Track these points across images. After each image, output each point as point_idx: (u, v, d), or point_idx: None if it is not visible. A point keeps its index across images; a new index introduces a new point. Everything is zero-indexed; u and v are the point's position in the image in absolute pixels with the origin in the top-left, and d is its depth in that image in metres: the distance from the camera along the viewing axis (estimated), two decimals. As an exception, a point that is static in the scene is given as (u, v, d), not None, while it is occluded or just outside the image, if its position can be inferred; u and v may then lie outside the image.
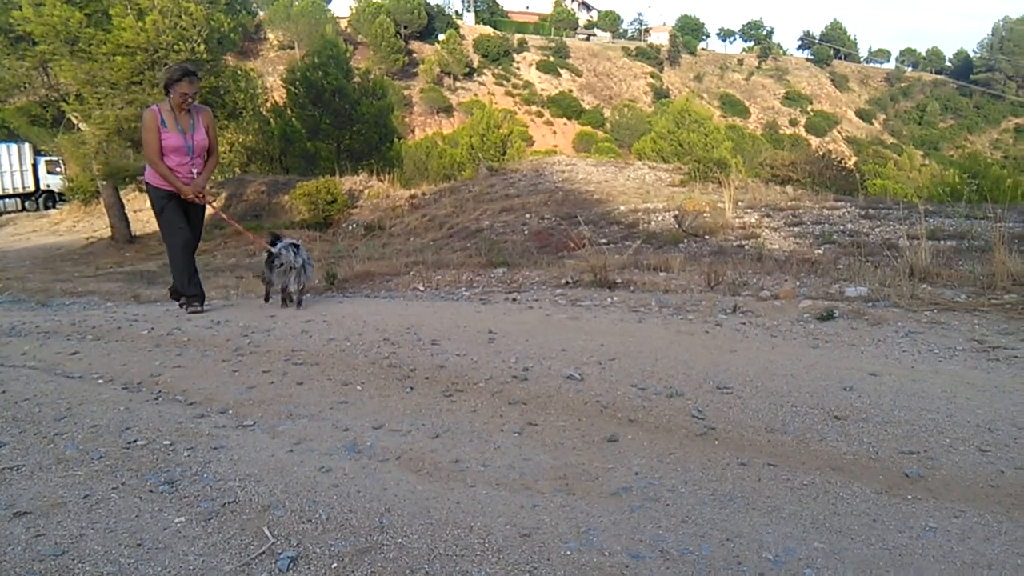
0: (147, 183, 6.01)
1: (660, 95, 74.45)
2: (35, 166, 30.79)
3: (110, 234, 20.63)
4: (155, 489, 2.40)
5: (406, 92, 63.20)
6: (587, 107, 71.08)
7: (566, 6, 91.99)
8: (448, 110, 64.61)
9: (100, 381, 3.75)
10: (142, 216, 24.96)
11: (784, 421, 2.91)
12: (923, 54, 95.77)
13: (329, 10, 69.14)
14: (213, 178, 23.66)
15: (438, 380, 3.61)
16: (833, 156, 18.66)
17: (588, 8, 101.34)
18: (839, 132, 76.80)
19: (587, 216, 12.04)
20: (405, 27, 69.90)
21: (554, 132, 66.11)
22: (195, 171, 5.87)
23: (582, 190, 15.69)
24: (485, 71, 72.46)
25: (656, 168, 20.36)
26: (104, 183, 19.52)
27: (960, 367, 3.62)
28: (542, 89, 72.48)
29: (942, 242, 7.32)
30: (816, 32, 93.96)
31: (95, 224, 24.51)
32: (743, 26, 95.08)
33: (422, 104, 64.52)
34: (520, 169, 20.06)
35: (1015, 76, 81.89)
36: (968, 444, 2.65)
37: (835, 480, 2.42)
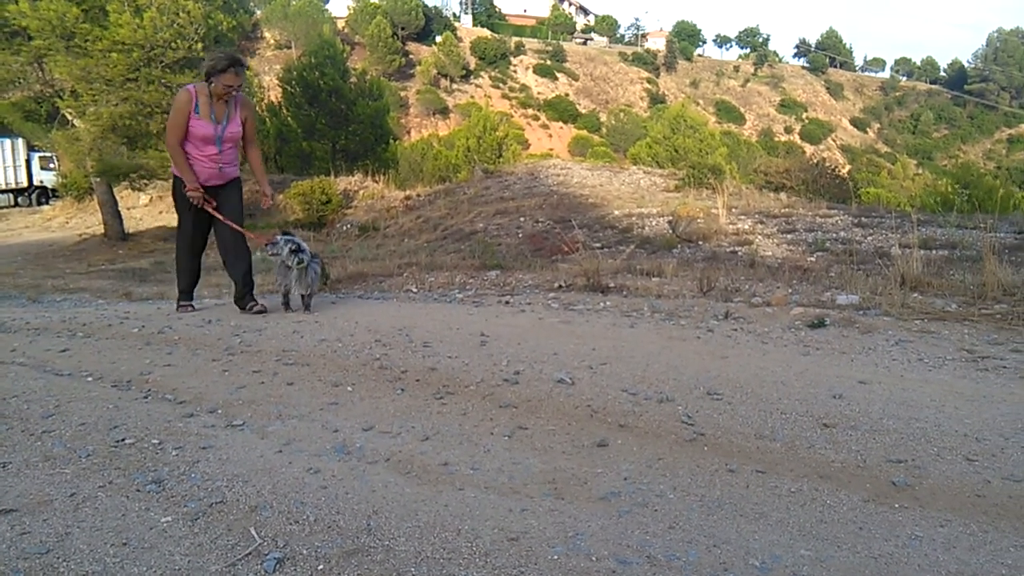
0: (174, 174, 5.59)
1: (656, 100, 74.63)
2: (28, 162, 30.65)
3: (103, 231, 20.54)
4: (142, 488, 2.39)
5: (402, 93, 63.18)
6: (583, 111, 71.18)
7: (563, 10, 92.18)
8: (444, 112, 64.61)
9: (89, 379, 3.74)
10: (135, 213, 24.92)
11: (773, 428, 2.92)
12: (918, 64, 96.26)
13: (326, 10, 69.11)
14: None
15: (429, 382, 3.61)
16: (827, 164, 18.75)
17: (585, 12, 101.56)
18: (834, 140, 77.10)
19: (581, 220, 12.07)
20: (402, 28, 69.91)
21: (550, 136, 66.17)
22: (223, 165, 5.45)
23: (577, 194, 15.71)
24: (482, 73, 72.50)
25: (651, 173, 20.43)
26: (98, 180, 19.43)
27: (949, 376, 3.64)
28: (538, 92, 72.57)
29: (934, 251, 7.37)
30: (812, 40, 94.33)
31: (88, 221, 24.40)
32: (739, 33, 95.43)
33: (418, 105, 64.49)
34: (515, 172, 20.10)
35: (1008, 87, 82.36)
36: (956, 453, 2.66)
37: (823, 488, 2.43)
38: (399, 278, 7.88)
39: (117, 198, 21.15)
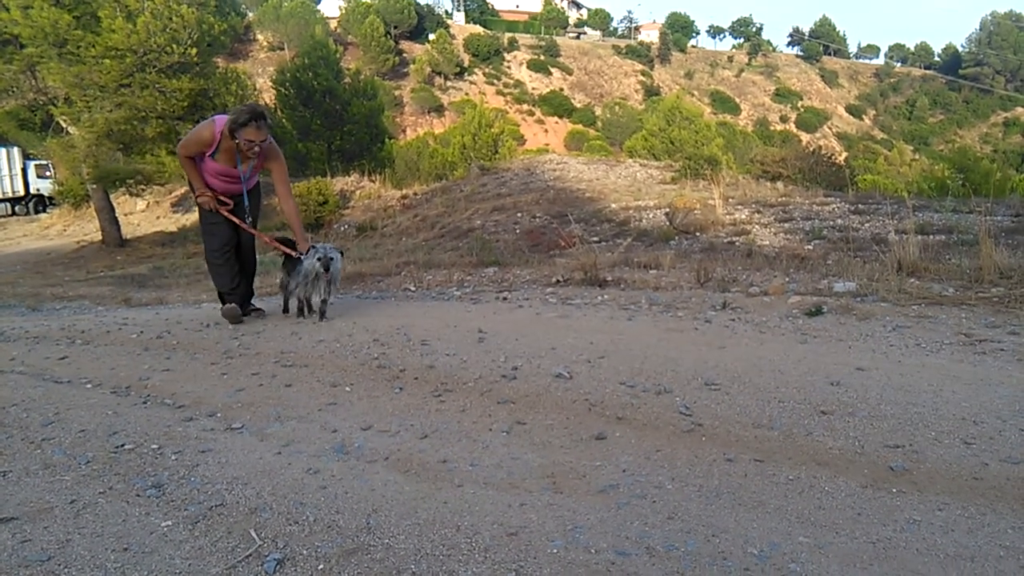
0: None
1: (651, 93, 74.51)
2: (24, 170, 30.60)
3: (101, 238, 20.53)
4: (142, 493, 2.40)
5: (397, 92, 63.06)
6: (578, 105, 71.08)
7: (556, 4, 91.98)
8: (439, 110, 64.52)
9: (88, 386, 3.74)
10: (133, 219, 24.92)
11: (771, 416, 2.93)
12: (912, 49, 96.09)
13: (318, 11, 68.94)
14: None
15: (427, 380, 3.61)
16: (823, 152, 18.72)
17: (578, 6, 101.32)
18: (829, 128, 77.01)
19: (578, 214, 12.06)
20: (395, 27, 69.77)
21: (545, 131, 66.08)
22: (241, 185, 5.16)
23: (573, 188, 15.70)
24: (476, 70, 72.38)
25: (647, 166, 20.40)
26: (94, 187, 19.41)
27: (947, 361, 3.64)
28: (533, 88, 72.46)
29: (931, 236, 7.36)
30: (805, 28, 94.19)
31: (86, 228, 24.40)
32: (733, 23, 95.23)
33: (413, 104, 64.39)
34: (512, 168, 20.08)
35: (1003, 70, 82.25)
36: (953, 437, 2.67)
37: (820, 475, 2.43)
38: (397, 277, 7.88)
39: (114, 204, 21.14)
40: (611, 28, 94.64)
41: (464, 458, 2.66)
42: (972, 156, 21.73)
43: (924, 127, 79.15)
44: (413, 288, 7.07)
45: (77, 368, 4.12)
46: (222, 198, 5.16)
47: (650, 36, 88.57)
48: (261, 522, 2.18)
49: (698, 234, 9.50)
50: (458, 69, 70.15)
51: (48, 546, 2.07)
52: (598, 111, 68.48)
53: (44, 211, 30.52)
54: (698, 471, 2.49)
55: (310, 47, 27.66)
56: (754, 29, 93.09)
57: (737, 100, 79.18)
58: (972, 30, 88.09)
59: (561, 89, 73.21)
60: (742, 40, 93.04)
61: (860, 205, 10.43)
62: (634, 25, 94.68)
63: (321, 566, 1.95)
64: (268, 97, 29.32)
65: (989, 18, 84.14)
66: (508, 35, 78.83)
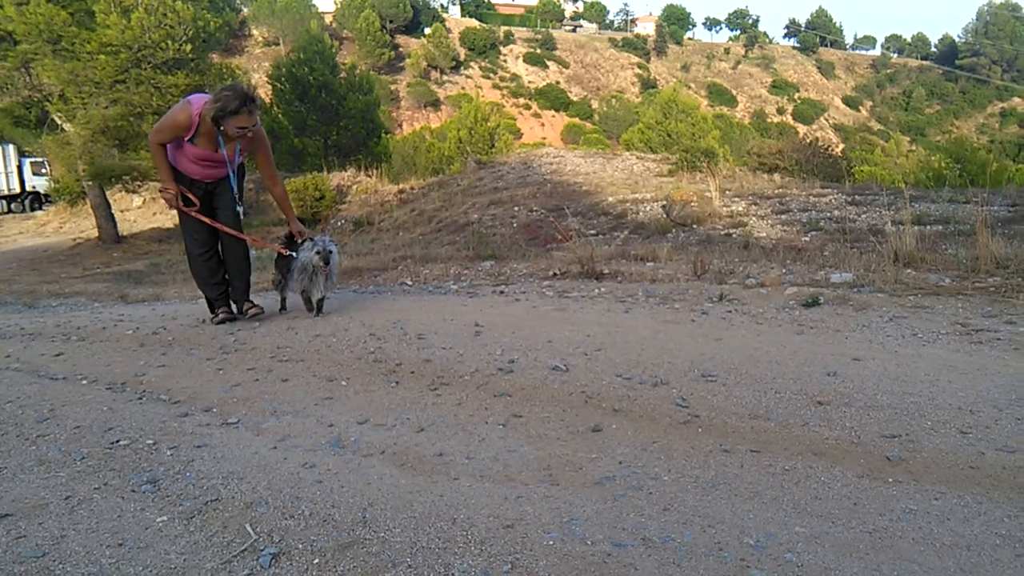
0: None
1: (647, 85, 74.44)
2: (20, 168, 30.52)
3: (97, 235, 20.50)
4: (137, 489, 2.39)
5: (393, 87, 62.99)
6: (575, 99, 71.01)
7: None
8: (435, 104, 64.44)
9: (84, 382, 3.73)
10: (129, 216, 24.86)
11: (767, 407, 2.92)
12: (908, 40, 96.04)
13: (314, 5, 68.76)
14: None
15: (424, 374, 3.61)
16: (820, 143, 18.69)
17: (574, 0, 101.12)
18: (826, 119, 76.99)
19: (575, 208, 12.05)
20: (391, 21, 69.63)
21: (542, 124, 66.02)
22: (220, 169, 4.77)
23: (570, 182, 15.68)
24: (472, 64, 72.29)
25: (644, 158, 20.38)
26: (90, 183, 19.36)
27: (943, 350, 3.64)
28: (529, 81, 72.37)
29: (927, 227, 7.36)
30: (802, 20, 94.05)
31: (82, 225, 24.34)
32: (729, 15, 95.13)
33: (409, 98, 64.32)
34: (508, 162, 20.05)
35: (1000, 61, 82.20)
36: (949, 426, 2.66)
37: (817, 465, 2.43)
38: (394, 272, 7.88)
39: (110, 201, 21.09)
40: (607, 21, 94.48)
41: (460, 451, 2.65)
42: (969, 146, 21.72)
43: (921, 118, 79.16)
44: (410, 282, 7.06)
45: (73, 364, 4.11)
46: (189, 196, 4.75)
47: (646, 29, 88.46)
48: (257, 516, 2.18)
49: (695, 226, 9.50)
50: (454, 63, 70.07)
51: (43, 542, 2.06)
52: (595, 104, 68.43)
53: (40, 208, 30.44)
54: (694, 462, 2.49)
55: (305, 42, 27.60)
56: (750, 21, 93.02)
57: (734, 92, 79.12)
58: (969, 20, 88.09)
59: (557, 82, 73.14)
60: (738, 32, 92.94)
61: (857, 196, 10.42)
62: (630, 18, 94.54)
63: (316, 560, 1.95)
64: (264, 93, 29.23)
65: (986, 8, 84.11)
66: (504, 29, 78.72)
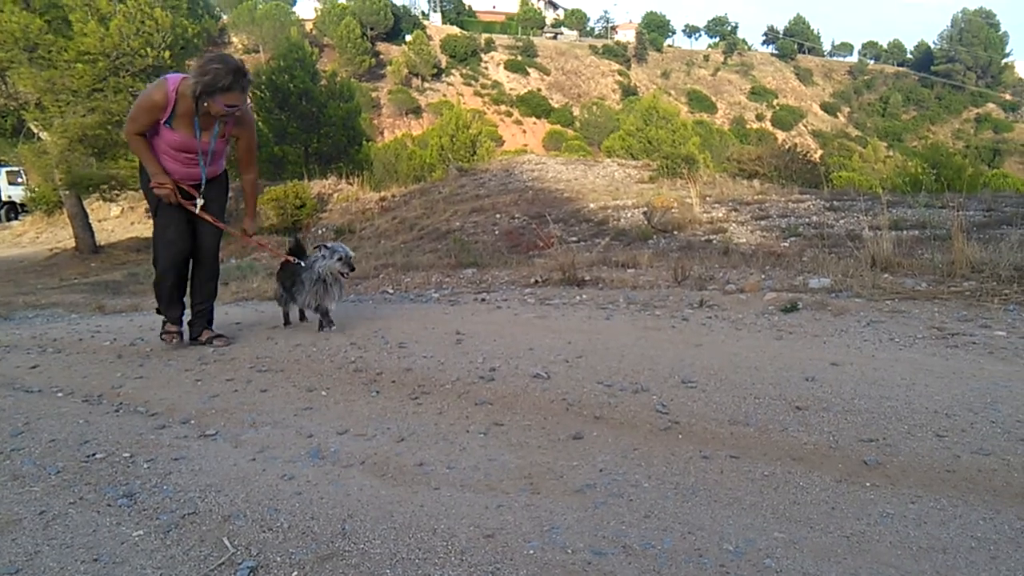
0: (140, 170, 4.45)
1: (628, 92, 74.83)
2: (-4, 177, 30.15)
3: (74, 245, 20.28)
4: (113, 503, 2.36)
5: (374, 94, 62.89)
6: (556, 106, 71.23)
7: (533, 5, 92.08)
8: (417, 111, 64.40)
9: (60, 394, 3.69)
10: (107, 226, 24.63)
11: (747, 413, 2.94)
12: (885, 47, 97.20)
13: (294, 13, 68.58)
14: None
15: (404, 383, 3.59)
16: (799, 150, 18.88)
17: (555, 7, 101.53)
18: (805, 126, 77.73)
19: (557, 215, 12.08)
20: (371, 28, 69.54)
21: (524, 131, 66.17)
22: (205, 167, 4.34)
23: (552, 189, 15.72)
24: (453, 71, 72.35)
25: (625, 165, 20.47)
26: (67, 193, 19.17)
27: (920, 354, 3.68)
28: (511, 88, 72.52)
29: (904, 232, 7.44)
30: (780, 27, 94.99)
31: (59, 235, 24.08)
32: (708, 22, 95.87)
33: (390, 106, 64.23)
34: (490, 169, 20.07)
35: (974, 67, 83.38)
36: (926, 430, 2.69)
37: (795, 470, 2.45)
38: (375, 280, 7.85)
39: (87, 210, 20.89)
40: (588, 28, 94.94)
41: (441, 461, 2.64)
42: (945, 152, 22.02)
43: (898, 124, 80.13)
44: (391, 290, 7.04)
45: (48, 377, 4.06)
46: (186, 188, 4.31)
47: (626, 36, 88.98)
48: (234, 529, 2.16)
49: (676, 233, 9.55)
50: (435, 70, 70.09)
51: (16, 558, 2.03)
52: (576, 111, 68.68)
53: (16, 218, 30.06)
54: (675, 469, 2.50)
55: (286, 49, 27.51)
56: (729, 28, 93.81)
57: (713, 99, 79.71)
58: (944, 27, 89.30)
59: (539, 89, 73.35)
60: (717, 39, 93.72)
61: (835, 202, 10.53)
62: (610, 25, 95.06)
63: (295, 573, 1.93)
64: (244, 100, 29.07)
65: (960, 15, 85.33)
66: (485, 36, 78.86)
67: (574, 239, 10.14)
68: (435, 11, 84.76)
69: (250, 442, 2.88)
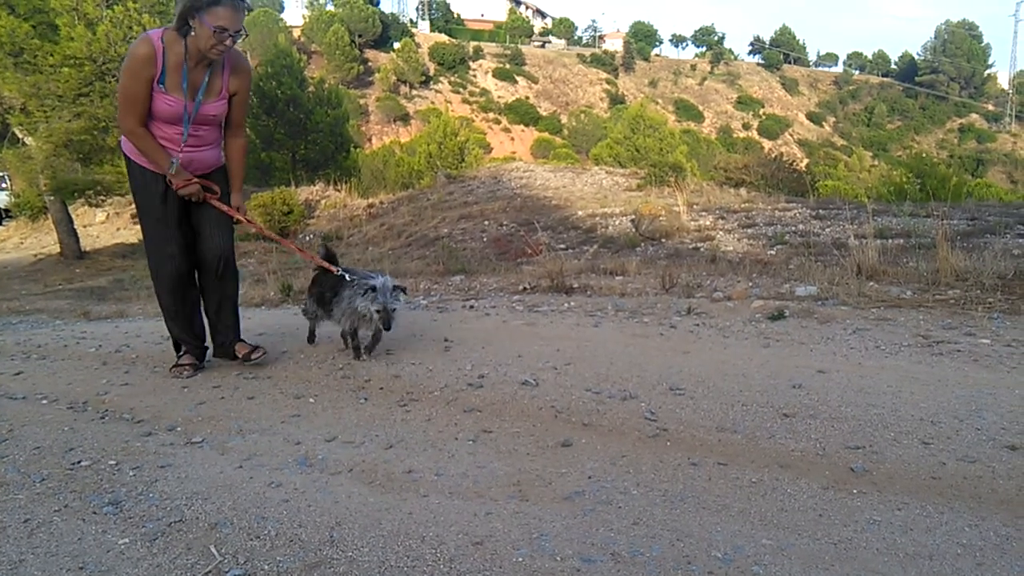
0: (124, 155, 3.77)
1: (616, 101, 75.14)
2: (-20, 182, 29.88)
3: (59, 250, 20.12)
4: (99, 511, 2.34)
5: (362, 101, 62.83)
6: (544, 114, 71.41)
7: (520, 14, 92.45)
8: (405, 118, 64.38)
9: (44, 401, 3.65)
10: (92, 231, 24.45)
11: (735, 420, 2.95)
12: (870, 57, 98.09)
13: (282, 19, 68.48)
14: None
15: (393, 390, 3.59)
16: (785, 159, 19.04)
17: (543, 15, 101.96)
18: (791, 135, 78.26)
19: (545, 222, 12.10)
20: (359, 36, 69.53)
21: (512, 139, 66.28)
22: (194, 150, 3.67)
23: (540, 196, 15.75)
24: (441, 79, 72.41)
25: (613, 173, 20.56)
26: (52, 198, 19.02)
27: (905, 362, 3.71)
28: (499, 96, 72.66)
29: (889, 240, 7.50)
30: (766, 37, 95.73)
31: (43, 241, 23.88)
32: (695, 32, 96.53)
33: (378, 113, 64.19)
34: (478, 176, 20.11)
35: (958, 77, 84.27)
36: (912, 437, 2.71)
37: (783, 477, 2.46)
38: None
39: (72, 216, 20.74)
40: (575, 37, 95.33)
41: (430, 468, 2.64)
42: (929, 161, 22.23)
43: (882, 133, 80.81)
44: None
45: (33, 384, 4.02)
46: (204, 183, 3.72)
47: (614, 45, 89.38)
48: (221, 538, 2.14)
49: (663, 240, 9.59)
50: (423, 78, 70.13)
51: (0, 567, 2.01)
52: (564, 119, 68.87)
53: (0, 224, 29.80)
54: (663, 476, 2.51)
55: (273, 56, 27.48)
56: (716, 38, 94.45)
57: (700, 108, 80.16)
58: (927, 38, 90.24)
59: (527, 97, 73.53)
60: (704, 49, 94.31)
61: (821, 210, 10.61)
62: (598, 34, 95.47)
63: (283, 581, 1.92)
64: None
65: (943, 27, 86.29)
66: (473, 44, 79.02)
67: (562, 246, 10.16)
68: (423, 19, 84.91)
69: (237, 449, 2.87)
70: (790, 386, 3.30)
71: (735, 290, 5.54)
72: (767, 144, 64.03)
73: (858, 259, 5.82)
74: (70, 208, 20.30)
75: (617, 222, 11.61)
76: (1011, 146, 74.29)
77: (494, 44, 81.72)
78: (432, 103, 65.66)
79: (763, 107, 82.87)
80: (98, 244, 22.63)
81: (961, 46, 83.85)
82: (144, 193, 3.72)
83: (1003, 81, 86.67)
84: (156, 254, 3.79)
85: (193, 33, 3.31)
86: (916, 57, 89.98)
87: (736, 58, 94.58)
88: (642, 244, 9.54)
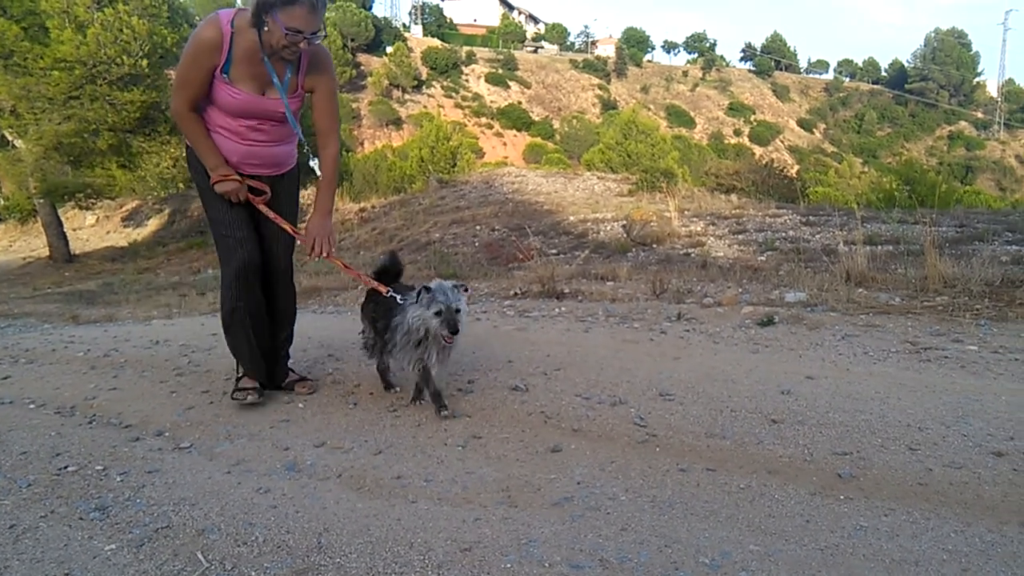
0: (187, 148, 3.35)
1: (608, 106, 75.27)
2: (-32, 185, 29.69)
3: (48, 254, 20.03)
4: (85, 516, 2.33)
5: (354, 105, 62.74)
6: (536, 119, 71.46)
7: (513, 19, 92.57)
8: (397, 123, 64.31)
9: (32, 406, 3.63)
10: (81, 234, 24.35)
11: (723, 426, 2.96)
12: (860, 65, 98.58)
13: (275, 23, 68.29)
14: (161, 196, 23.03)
15: (382, 395, 3.58)
16: (776, 165, 19.11)
17: (535, 21, 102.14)
18: (781, 141, 78.54)
19: (537, 227, 12.11)
20: (352, 39, 69.48)
21: (504, 144, 66.28)
22: (269, 144, 3.26)
23: (532, 201, 15.77)
24: (434, 83, 72.41)
25: (605, 178, 20.59)
26: (41, 201, 18.96)
27: (893, 368, 3.73)
28: (491, 101, 72.69)
29: (879, 247, 7.54)
30: (757, 44, 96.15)
31: (32, 244, 23.78)
32: (687, 39, 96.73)
33: (371, 117, 64.10)
34: (470, 181, 20.11)
35: (947, 85, 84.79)
36: (899, 443, 2.72)
37: (771, 483, 2.46)
38: (354, 291, 7.81)
39: (62, 219, 20.66)
40: (568, 42, 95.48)
41: (419, 474, 2.63)
42: (918, 168, 22.38)
43: (873, 140, 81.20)
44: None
45: (20, 388, 4.00)
46: (252, 183, 3.24)
47: (606, 51, 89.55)
48: (209, 544, 2.13)
49: (654, 246, 9.60)
50: (416, 82, 70.10)
51: (-16, 574, 2.00)
52: (556, 124, 68.94)
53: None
54: (652, 482, 2.51)
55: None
56: (708, 45, 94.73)
57: (692, 114, 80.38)
58: (917, 46, 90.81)
59: (519, 102, 73.58)
60: (696, 55, 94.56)
61: (811, 217, 10.65)
62: (591, 40, 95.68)
63: (270, 587, 1.91)
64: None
65: (933, 35, 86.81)
66: (466, 49, 79.04)
67: (554, 252, 10.17)
68: (416, 23, 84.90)
69: (225, 455, 2.86)
70: (779, 392, 3.31)
71: (725, 296, 5.56)
72: (758, 150, 64.22)
73: (847, 265, 5.85)
74: (60, 211, 20.21)
75: (608, 227, 11.62)
76: (1000, 153, 74.80)
77: (487, 49, 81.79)
78: (424, 107, 65.63)
79: (754, 113, 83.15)
80: (88, 247, 22.53)
81: (951, 54, 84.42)
82: (206, 187, 3.24)
83: (992, 89, 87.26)
84: (223, 243, 3.29)
85: (267, 29, 2.92)
86: (906, 65, 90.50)
87: (727, 65, 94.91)
88: (633, 249, 9.55)
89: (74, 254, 20.42)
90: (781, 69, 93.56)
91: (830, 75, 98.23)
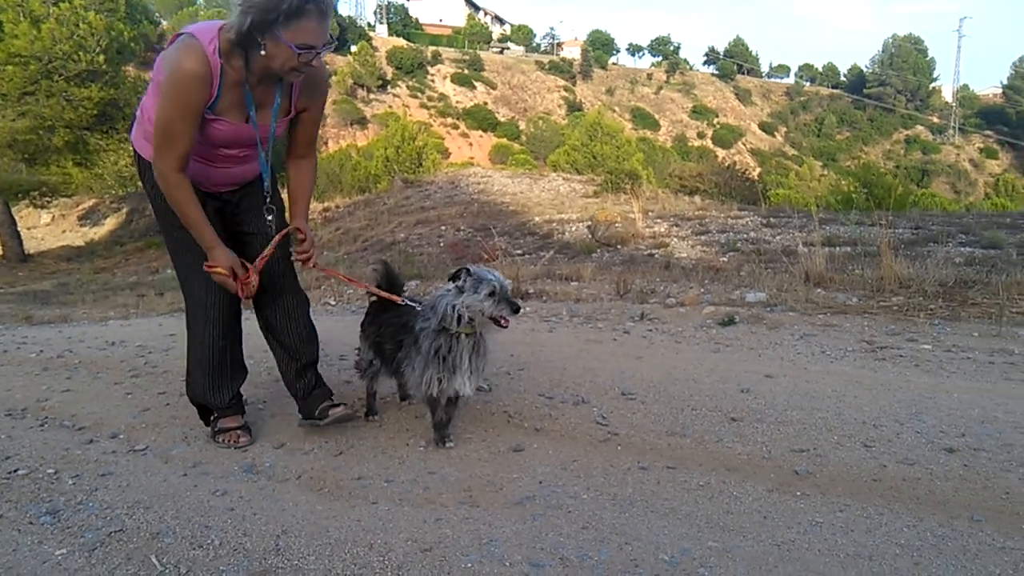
0: (138, 156, 2.81)
1: (573, 108, 75.59)
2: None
3: (1, 253, 19.52)
4: (35, 521, 2.27)
5: (319, 104, 62.19)
6: (502, 120, 71.50)
7: (479, 20, 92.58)
8: (362, 122, 63.87)
9: (-20, 409, 3.53)
10: (36, 233, 23.78)
11: (684, 424, 2.99)
12: (820, 70, 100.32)
13: (237, 20, 67.42)
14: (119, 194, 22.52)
15: (344, 396, 3.54)
16: (738, 167, 19.39)
17: (501, 22, 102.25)
18: (744, 144, 79.55)
19: (502, 227, 12.12)
20: (317, 38, 68.85)
21: (470, 144, 66.19)
22: (243, 166, 2.84)
23: (498, 201, 15.78)
24: (399, 83, 72.04)
25: (570, 179, 20.70)
26: (-6, 199, 18.48)
27: (850, 367, 3.80)
28: (457, 102, 72.55)
29: (837, 248, 7.68)
30: (720, 48, 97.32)
31: (-15, 242, 23.14)
32: (651, 42, 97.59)
33: (335, 116, 63.53)
34: (436, 181, 20.07)
35: (904, 90, 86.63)
36: (854, 440, 2.77)
37: (730, 480, 2.49)
38: (317, 291, 7.74)
39: (16, 218, 20.15)
40: (534, 44, 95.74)
41: (380, 474, 2.61)
42: (876, 172, 22.85)
43: (832, 144, 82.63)
44: (333, 302, 6.97)
45: (-31, 390, 3.89)
46: (249, 271, 2.76)
47: (572, 53, 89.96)
48: (163, 547, 2.09)
49: (619, 247, 9.68)
50: (381, 82, 69.68)
51: (-73, 581, 1.94)
52: (522, 125, 69.01)
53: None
54: (613, 480, 2.52)
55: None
56: (672, 48, 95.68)
57: (656, 116, 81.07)
58: (875, 52, 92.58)
59: (485, 103, 73.54)
60: (660, 58, 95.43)
61: (772, 219, 10.82)
62: (556, 42, 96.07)
63: (226, 591, 1.88)
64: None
65: (891, 41, 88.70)
66: (432, 49, 78.78)
67: (519, 252, 10.19)
68: (381, 23, 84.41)
69: (181, 457, 2.81)
70: (738, 391, 3.35)
71: (687, 296, 5.61)
72: (721, 153, 64.94)
73: (806, 266, 5.96)
74: (13, 209, 19.72)
75: (573, 228, 11.68)
76: (954, 157, 76.60)
77: (452, 49, 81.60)
78: (390, 107, 65.25)
79: (717, 116, 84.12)
80: (43, 247, 22.01)
81: (908, 60, 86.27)
82: (166, 214, 2.72)
83: (947, 94, 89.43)
84: (194, 305, 2.89)
85: (263, 53, 2.41)
86: (864, 70, 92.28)
87: (691, 68, 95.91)
88: (598, 250, 9.61)
89: (28, 253, 19.94)
90: (743, 73, 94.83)
91: (791, 79, 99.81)
